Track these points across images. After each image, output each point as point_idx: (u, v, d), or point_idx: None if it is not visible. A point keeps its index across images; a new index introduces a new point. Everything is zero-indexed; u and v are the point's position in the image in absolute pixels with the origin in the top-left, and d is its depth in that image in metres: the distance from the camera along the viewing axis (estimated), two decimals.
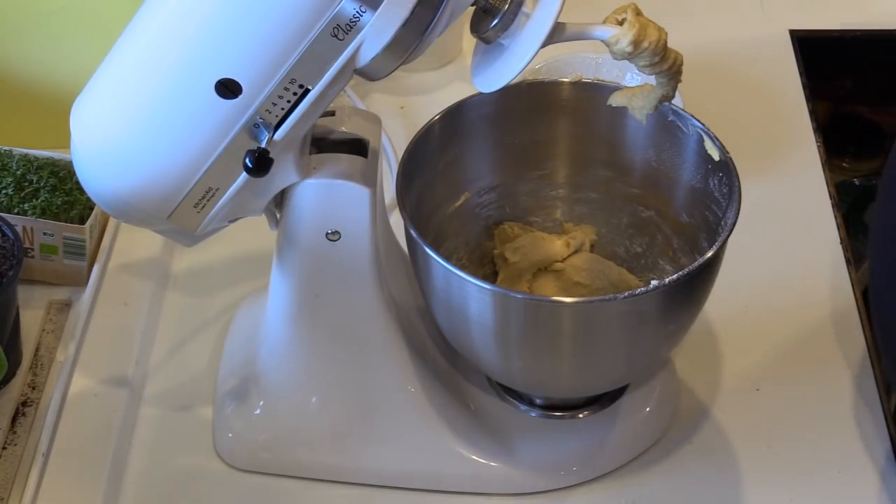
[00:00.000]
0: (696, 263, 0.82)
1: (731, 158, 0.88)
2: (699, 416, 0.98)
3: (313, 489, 0.94)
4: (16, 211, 1.05)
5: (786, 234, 1.13)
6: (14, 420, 0.98)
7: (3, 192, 1.06)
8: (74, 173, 0.83)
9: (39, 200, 1.06)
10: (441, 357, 0.96)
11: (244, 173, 0.79)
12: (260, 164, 0.77)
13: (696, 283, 0.85)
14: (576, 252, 0.99)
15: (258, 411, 0.95)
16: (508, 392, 0.96)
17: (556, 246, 0.99)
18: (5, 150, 1.10)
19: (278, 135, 0.78)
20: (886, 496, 0.92)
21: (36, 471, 0.92)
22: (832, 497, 0.92)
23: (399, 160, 0.89)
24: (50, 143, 1.10)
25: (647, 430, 0.96)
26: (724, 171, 0.88)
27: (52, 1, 1.15)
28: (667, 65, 0.81)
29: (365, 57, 0.76)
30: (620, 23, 0.80)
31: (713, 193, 0.90)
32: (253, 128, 0.77)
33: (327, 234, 0.85)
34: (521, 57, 0.78)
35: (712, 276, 0.86)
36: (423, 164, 0.91)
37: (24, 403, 0.99)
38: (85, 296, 1.05)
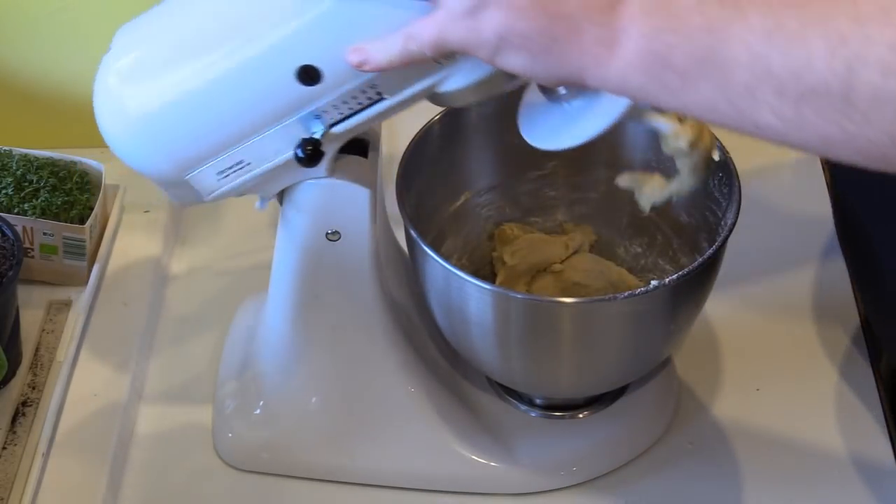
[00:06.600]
0: (696, 263, 0.82)
1: (731, 158, 0.88)
2: (699, 416, 0.98)
3: (313, 489, 0.94)
4: (16, 211, 1.05)
5: (786, 234, 1.13)
6: (14, 420, 0.98)
7: (3, 192, 1.06)
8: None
9: (39, 200, 1.06)
10: (441, 357, 0.96)
11: (280, 155, 0.78)
12: (312, 155, 0.77)
13: (696, 283, 0.85)
14: (575, 253, 0.99)
15: (258, 411, 0.95)
16: (508, 392, 0.96)
17: (555, 248, 0.99)
18: (5, 150, 1.10)
19: (336, 129, 0.78)
20: (886, 496, 0.92)
21: (36, 470, 0.92)
22: (832, 497, 0.92)
23: (399, 160, 0.89)
24: (50, 143, 1.09)
25: (647, 430, 0.96)
26: (724, 171, 0.88)
27: (52, 1, 1.15)
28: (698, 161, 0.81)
29: (449, 85, 0.75)
30: (680, 120, 0.79)
31: (713, 193, 0.90)
32: (313, 118, 0.77)
33: (327, 234, 0.84)
34: (592, 126, 0.74)
35: (712, 276, 0.86)
36: (423, 164, 0.91)
37: (24, 403, 0.99)
38: (85, 296, 1.05)
